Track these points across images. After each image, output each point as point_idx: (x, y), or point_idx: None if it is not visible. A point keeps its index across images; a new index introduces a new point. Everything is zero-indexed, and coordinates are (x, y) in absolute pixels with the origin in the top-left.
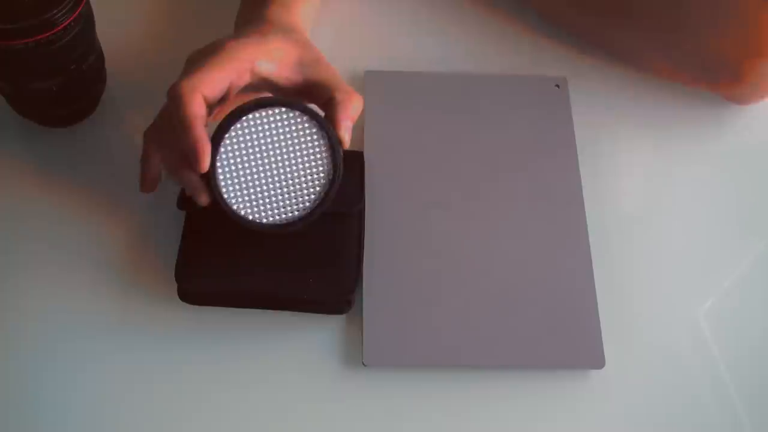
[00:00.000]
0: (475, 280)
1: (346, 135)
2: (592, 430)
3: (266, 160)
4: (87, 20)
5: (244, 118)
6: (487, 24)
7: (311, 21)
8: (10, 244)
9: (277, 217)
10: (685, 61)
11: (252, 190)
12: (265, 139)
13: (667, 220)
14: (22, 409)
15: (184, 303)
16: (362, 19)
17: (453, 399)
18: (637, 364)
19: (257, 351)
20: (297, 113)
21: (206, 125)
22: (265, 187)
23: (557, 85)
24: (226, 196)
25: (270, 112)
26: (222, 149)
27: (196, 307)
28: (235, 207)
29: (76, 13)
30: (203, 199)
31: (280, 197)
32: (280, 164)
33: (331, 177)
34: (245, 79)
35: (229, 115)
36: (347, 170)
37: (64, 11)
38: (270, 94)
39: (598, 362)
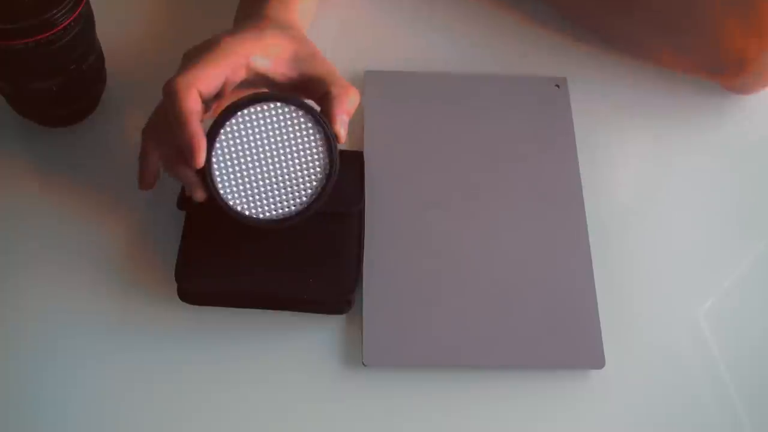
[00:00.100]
0: (476, 280)
1: (342, 129)
2: (592, 430)
3: (262, 156)
4: (87, 20)
5: (239, 113)
6: (487, 24)
7: (309, 18)
8: (10, 244)
9: (274, 213)
10: (688, 48)
11: (248, 186)
12: (261, 134)
13: (667, 221)
14: (22, 409)
15: (184, 303)
16: (362, 19)
17: (453, 399)
18: (637, 364)
19: (257, 351)
20: (292, 108)
21: (202, 121)
22: (261, 183)
23: (557, 86)
24: (222, 191)
25: (265, 107)
26: (217, 144)
27: (196, 307)
28: (231, 202)
29: (76, 13)
30: (200, 195)
31: (276, 192)
32: (276, 159)
33: (327, 172)
34: (240, 74)
35: (224, 110)
36: (347, 170)
37: (64, 11)
38: (266, 90)
39: (598, 362)
